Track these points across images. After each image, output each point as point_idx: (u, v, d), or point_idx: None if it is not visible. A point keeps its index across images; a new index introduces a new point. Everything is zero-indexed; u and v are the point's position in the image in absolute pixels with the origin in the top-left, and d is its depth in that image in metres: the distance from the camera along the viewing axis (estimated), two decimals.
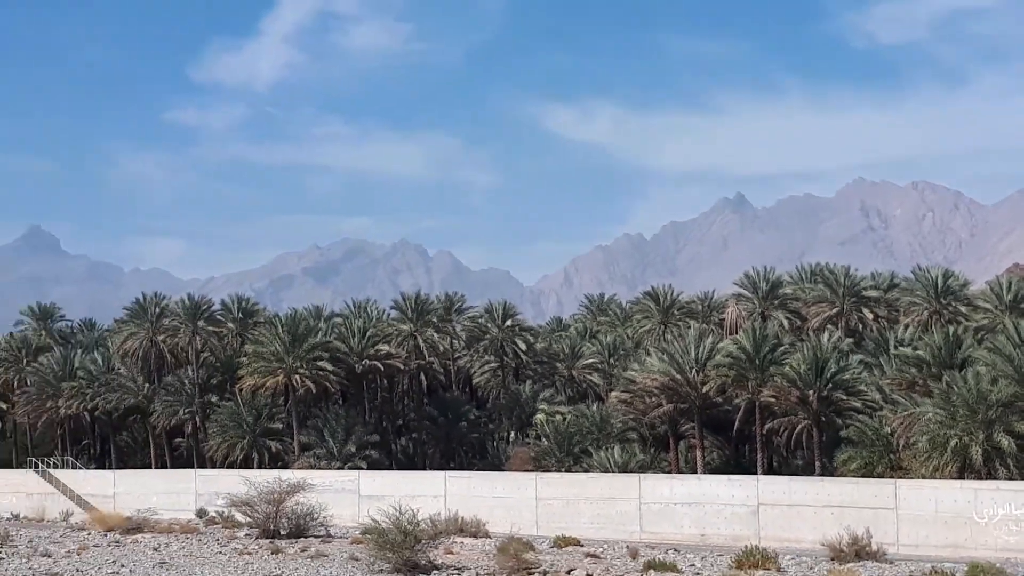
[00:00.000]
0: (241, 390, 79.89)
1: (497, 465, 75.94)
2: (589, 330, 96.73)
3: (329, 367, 78.89)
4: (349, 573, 35.51)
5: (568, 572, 35.16)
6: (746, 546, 39.22)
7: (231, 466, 73.39)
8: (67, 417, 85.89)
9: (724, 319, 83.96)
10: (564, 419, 77.26)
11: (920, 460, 51.84)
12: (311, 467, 68.29)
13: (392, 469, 72.78)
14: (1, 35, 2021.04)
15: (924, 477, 49.58)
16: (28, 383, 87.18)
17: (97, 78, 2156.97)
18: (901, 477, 50.90)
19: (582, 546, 42.48)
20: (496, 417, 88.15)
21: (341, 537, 45.52)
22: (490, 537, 44.40)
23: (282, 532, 45.48)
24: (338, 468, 69.52)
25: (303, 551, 40.73)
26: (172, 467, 79.70)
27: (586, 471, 65.26)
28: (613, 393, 75.07)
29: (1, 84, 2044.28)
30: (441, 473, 58.91)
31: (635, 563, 37.36)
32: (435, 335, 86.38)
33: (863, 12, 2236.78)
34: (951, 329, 66.11)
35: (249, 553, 40.72)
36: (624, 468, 65.04)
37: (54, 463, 72.81)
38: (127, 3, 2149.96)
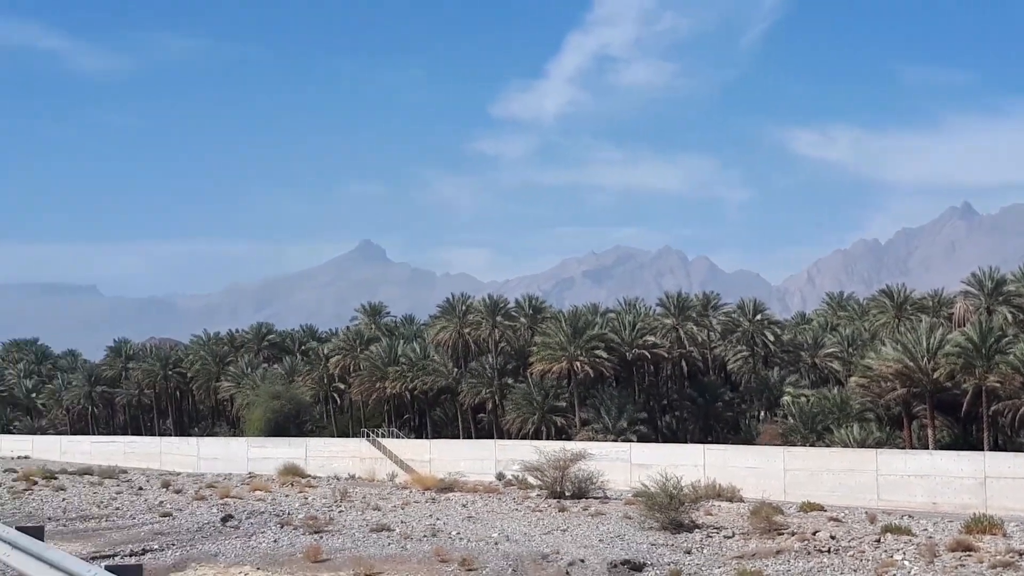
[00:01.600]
0: (531, 374, 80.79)
1: (749, 440, 74.58)
2: (830, 323, 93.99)
3: (604, 355, 79.00)
4: (624, 528, 35.41)
5: (813, 533, 34.21)
6: (974, 514, 37.38)
7: (523, 437, 74.25)
8: (392, 395, 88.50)
9: (952, 314, 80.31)
10: (808, 400, 75.32)
11: None
12: (590, 439, 68.45)
13: (658, 442, 72.28)
14: (349, 86, 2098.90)
15: None
16: (361, 367, 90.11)
17: (417, 116, 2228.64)
18: None
19: (825, 511, 41.28)
20: (748, 398, 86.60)
21: (616, 499, 45.48)
22: (743, 502, 43.61)
23: (567, 493, 45.75)
24: (612, 441, 69.48)
25: (584, 510, 40.86)
26: (476, 438, 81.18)
27: (828, 446, 63.46)
28: (852, 378, 72.77)
29: (346, 124, 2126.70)
30: (700, 446, 58.22)
31: (873, 527, 36.06)
32: (694, 328, 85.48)
33: None
34: None
35: (540, 510, 41.05)
36: (862, 444, 63.02)
37: (381, 433, 75.11)
38: (440, 55, 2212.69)
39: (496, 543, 32.10)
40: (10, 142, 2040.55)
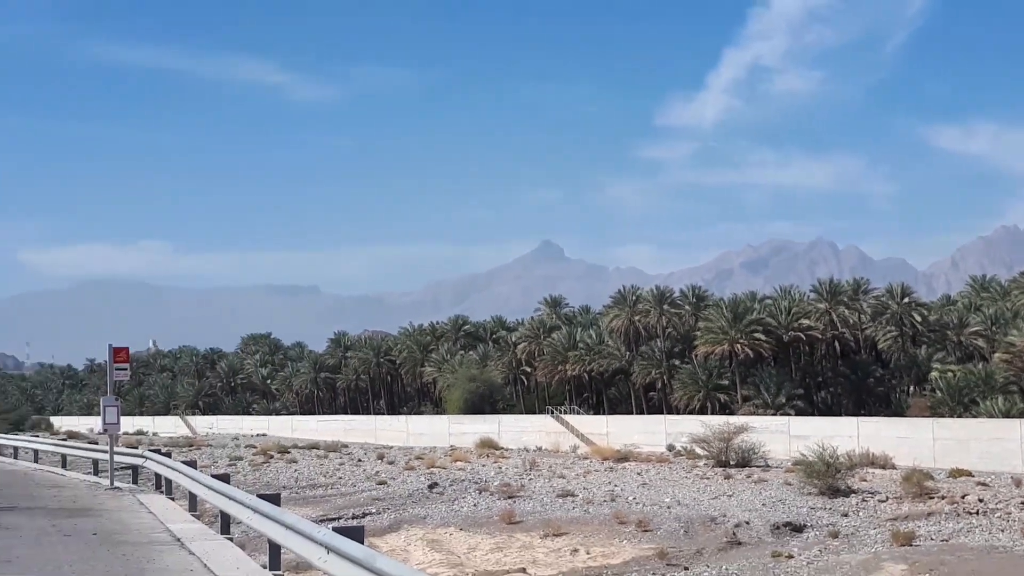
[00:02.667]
0: (696, 356, 79.79)
1: (899, 413, 71.99)
2: (974, 304, 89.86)
3: (763, 337, 77.44)
4: (784, 494, 34.71)
5: (962, 496, 32.85)
6: None
7: (690, 413, 73.41)
8: (572, 377, 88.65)
9: None
10: (954, 376, 72.24)
11: None
12: (751, 414, 67.23)
13: (813, 416, 70.48)
14: (529, 104, 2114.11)
15: None
16: (544, 352, 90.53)
17: (590, 127, 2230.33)
18: None
19: (972, 476, 39.58)
20: (897, 375, 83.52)
21: (776, 468, 44.60)
22: (895, 469, 42.18)
23: (731, 463, 45.10)
24: (771, 415, 68.06)
25: (748, 477, 40.21)
26: (647, 414, 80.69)
27: (974, 417, 60.77)
28: (996, 355, 69.55)
29: (526, 138, 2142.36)
30: (854, 419, 56.49)
31: (1019, 490, 34.41)
32: (845, 311, 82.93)
33: None
34: None
35: (707, 478, 40.58)
36: (1006, 414, 60.07)
37: (564, 410, 75.30)
38: (609, 72, 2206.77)
39: (668, 507, 31.86)
40: (248, 166, 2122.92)
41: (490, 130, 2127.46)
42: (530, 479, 41.04)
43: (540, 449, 62.76)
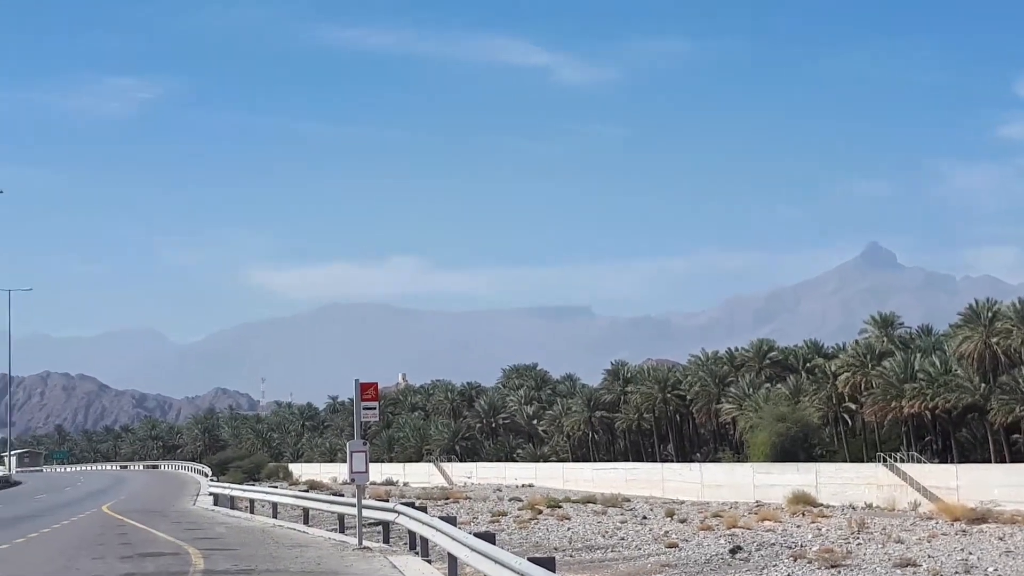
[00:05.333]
0: None
1: None
2: None
3: None
4: None
5: None
6: None
7: None
8: (909, 415, 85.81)
9: None
10: None
11: None
12: None
13: None
14: (845, 78, 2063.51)
15: None
16: (873, 385, 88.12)
17: (928, 104, 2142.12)
18: None
19: None
20: None
21: None
22: None
23: None
24: None
25: None
26: (1010, 461, 76.88)
27: None
28: None
29: (842, 120, 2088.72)
30: None
31: None
32: None
33: None
34: None
35: None
36: None
37: (899, 457, 73.03)
38: (955, 26, 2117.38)
39: None
40: (511, 166, 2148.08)
41: (794, 109, 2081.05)
42: (858, 544, 40.04)
43: (869, 506, 61.19)
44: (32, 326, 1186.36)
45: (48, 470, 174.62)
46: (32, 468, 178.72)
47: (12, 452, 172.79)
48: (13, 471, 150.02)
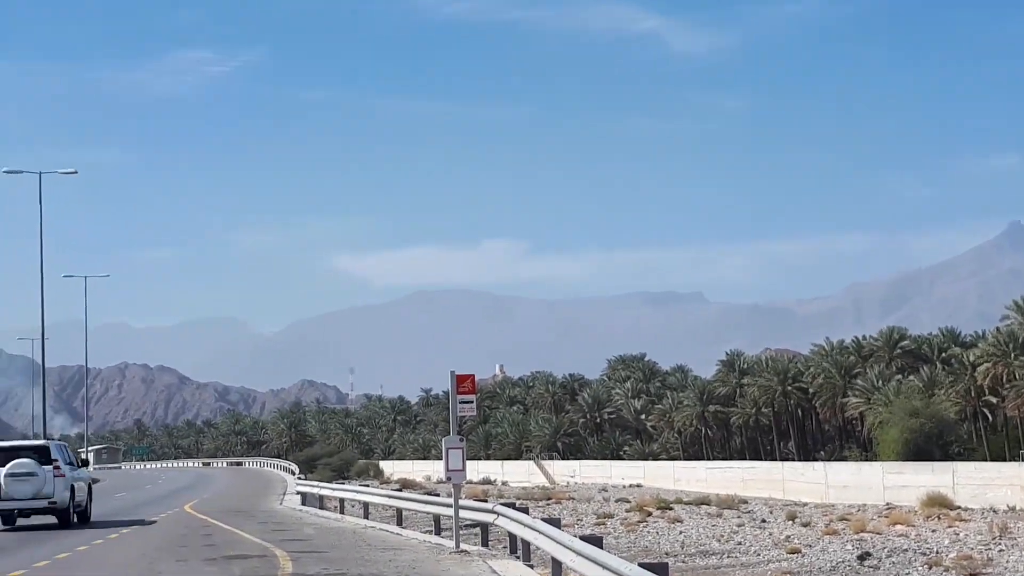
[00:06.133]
0: None
1: None
2: None
3: None
4: None
5: None
6: None
7: None
8: None
9: None
10: None
11: None
12: None
13: None
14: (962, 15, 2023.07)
15: None
16: (1016, 377, 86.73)
17: None
18: None
19: None
20: None
21: None
22: None
23: None
24: None
25: None
26: None
27: None
28: None
29: (973, 86, 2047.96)
30: None
31: None
32: None
33: None
34: None
35: None
36: None
37: None
38: None
39: None
40: (613, 139, 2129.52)
41: (925, 67, 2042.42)
42: (1000, 550, 39.36)
43: (1012, 509, 60.05)
44: (109, 315, 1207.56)
45: (127, 467, 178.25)
46: (111, 464, 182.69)
47: (90, 448, 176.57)
48: (91, 468, 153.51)
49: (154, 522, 43.38)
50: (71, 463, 40.99)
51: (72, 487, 39.53)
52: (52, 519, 39.41)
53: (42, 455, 38.91)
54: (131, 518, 45.65)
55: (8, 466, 38.13)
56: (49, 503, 38.45)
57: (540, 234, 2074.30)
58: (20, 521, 39.68)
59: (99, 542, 33.98)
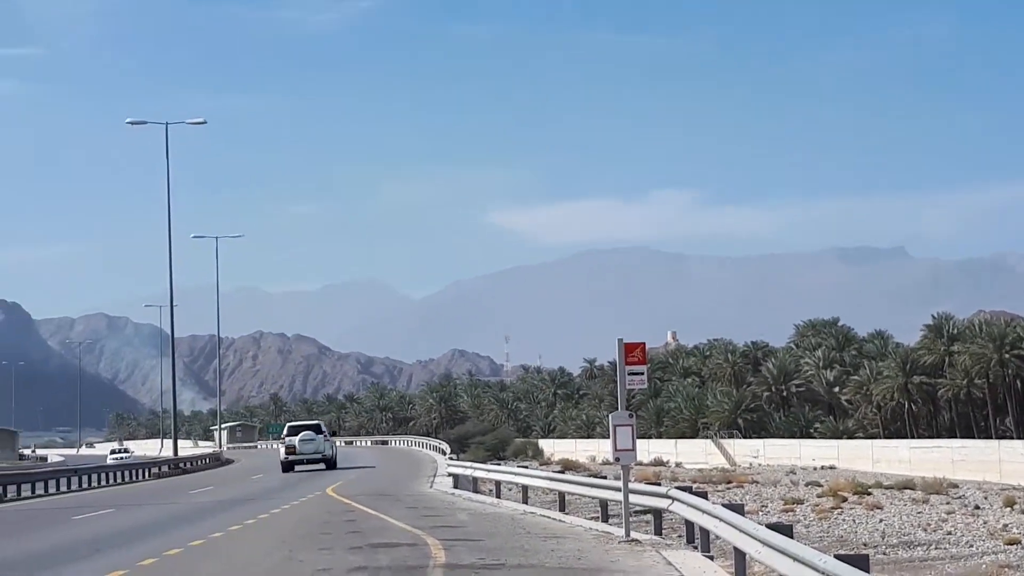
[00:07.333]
0: None
1: None
2: None
3: None
4: None
5: None
6: None
7: None
8: None
9: None
10: None
11: None
12: None
13: None
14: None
15: None
16: None
17: None
18: None
19: None
20: None
21: None
22: None
23: None
24: None
25: None
26: None
27: None
28: None
29: None
30: None
31: None
32: None
33: None
34: None
35: None
36: None
37: None
38: None
39: None
40: (793, 74, 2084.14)
41: None
42: None
43: None
44: (243, 279, 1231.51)
45: (263, 446, 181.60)
46: (245, 444, 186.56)
47: (223, 425, 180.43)
48: (224, 447, 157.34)
49: (294, 506, 44.27)
50: (329, 435, 78.26)
51: (334, 447, 78.95)
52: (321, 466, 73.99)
53: (316, 430, 76.39)
54: (269, 502, 46.65)
55: (299, 436, 74.12)
56: (323, 457, 74.60)
57: (719, 183, 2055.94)
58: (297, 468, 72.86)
59: (235, 528, 34.79)
